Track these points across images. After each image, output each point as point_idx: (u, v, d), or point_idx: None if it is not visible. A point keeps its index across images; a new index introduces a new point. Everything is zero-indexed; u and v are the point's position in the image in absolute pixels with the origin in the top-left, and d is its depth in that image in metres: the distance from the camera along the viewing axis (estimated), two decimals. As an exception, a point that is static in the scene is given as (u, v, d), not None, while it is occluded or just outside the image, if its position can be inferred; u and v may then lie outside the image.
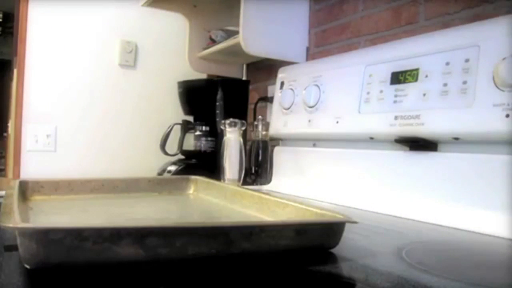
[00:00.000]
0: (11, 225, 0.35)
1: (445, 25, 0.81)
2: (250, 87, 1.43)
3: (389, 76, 0.79)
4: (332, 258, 0.45)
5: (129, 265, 0.37)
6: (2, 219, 0.38)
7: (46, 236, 0.34)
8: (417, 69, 0.74)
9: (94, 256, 0.35)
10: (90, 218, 0.60)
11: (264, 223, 0.51)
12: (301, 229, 0.44)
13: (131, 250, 0.36)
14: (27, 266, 0.34)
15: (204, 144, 1.33)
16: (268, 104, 1.34)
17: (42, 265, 0.34)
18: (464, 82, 0.66)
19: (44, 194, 0.69)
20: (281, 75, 1.10)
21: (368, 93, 0.83)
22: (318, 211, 0.52)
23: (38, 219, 0.56)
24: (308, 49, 1.20)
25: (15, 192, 0.56)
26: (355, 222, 0.46)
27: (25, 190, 0.68)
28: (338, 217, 0.47)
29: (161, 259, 0.38)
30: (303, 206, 0.55)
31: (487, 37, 0.65)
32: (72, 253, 0.34)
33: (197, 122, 1.35)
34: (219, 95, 1.31)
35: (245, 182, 1.07)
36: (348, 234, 0.47)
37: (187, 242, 0.38)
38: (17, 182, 0.65)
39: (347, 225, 0.46)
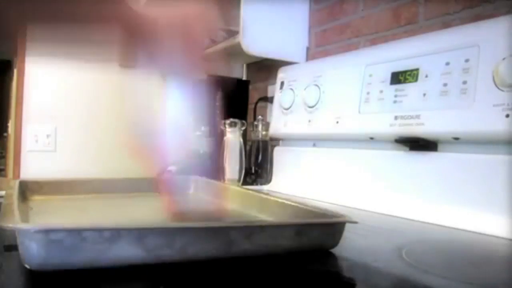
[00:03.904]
0: (11, 225, 0.35)
1: (445, 25, 0.81)
2: (250, 87, 1.43)
3: (389, 76, 0.79)
4: (331, 258, 0.45)
5: (129, 265, 0.37)
6: (2, 219, 0.38)
7: (46, 236, 0.34)
8: (417, 69, 0.74)
9: (94, 256, 0.35)
10: (90, 218, 0.60)
11: (265, 223, 0.50)
12: (301, 229, 0.44)
13: (132, 250, 0.36)
14: (27, 267, 0.34)
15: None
16: (268, 104, 1.34)
17: (43, 265, 0.34)
18: (464, 82, 0.66)
19: (44, 194, 0.69)
20: (281, 75, 1.10)
21: (368, 93, 0.83)
22: (318, 211, 0.52)
23: (38, 219, 0.56)
24: (308, 49, 1.20)
25: (15, 192, 0.56)
26: (355, 222, 0.46)
27: (25, 190, 0.68)
28: (338, 217, 0.47)
29: (162, 259, 0.38)
30: (303, 206, 0.55)
31: (487, 37, 0.65)
32: (72, 253, 0.34)
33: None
34: (219, 95, 1.31)
35: (245, 182, 1.07)
36: (348, 234, 0.47)
37: (187, 242, 0.38)
38: (17, 182, 0.65)
39: (347, 225, 0.46)
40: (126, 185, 0.77)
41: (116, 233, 0.36)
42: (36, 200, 0.67)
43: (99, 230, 0.35)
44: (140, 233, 0.37)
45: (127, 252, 0.36)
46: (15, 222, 0.36)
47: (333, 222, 0.47)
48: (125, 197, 0.75)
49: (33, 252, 0.34)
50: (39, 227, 0.34)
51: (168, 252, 0.38)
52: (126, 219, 0.59)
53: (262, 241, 0.42)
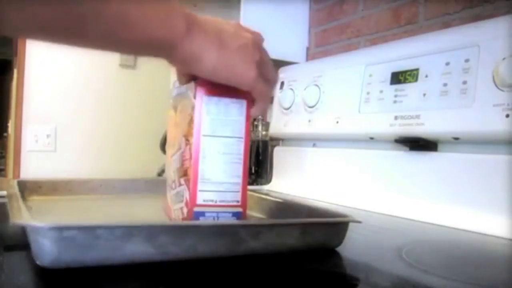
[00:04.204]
0: (24, 222, 0.35)
1: (445, 25, 0.81)
2: (250, 87, 1.43)
3: (389, 76, 0.79)
4: (332, 257, 0.45)
5: (138, 263, 0.37)
6: (13, 217, 0.38)
7: (59, 233, 0.34)
8: (417, 69, 0.74)
9: (105, 254, 0.35)
10: (89, 219, 0.60)
11: (273, 222, 0.51)
12: (307, 228, 0.45)
13: (142, 248, 0.37)
14: (39, 264, 0.34)
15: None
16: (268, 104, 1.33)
17: (55, 262, 0.34)
18: (464, 82, 0.66)
19: (42, 194, 0.69)
20: (281, 75, 1.10)
21: (368, 93, 0.83)
22: (321, 211, 0.52)
23: (41, 219, 0.56)
24: (308, 49, 1.20)
25: (17, 191, 0.55)
26: (359, 222, 0.46)
27: (23, 190, 0.67)
28: (343, 217, 0.48)
29: (171, 256, 0.38)
30: (305, 206, 0.55)
31: (487, 37, 0.65)
32: (84, 251, 0.35)
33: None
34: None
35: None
36: (348, 234, 0.47)
37: (197, 240, 0.39)
38: (15, 182, 0.64)
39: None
40: (125, 186, 0.77)
41: (128, 231, 0.36)
42: (35, 200, 0.67)
43: (111, 228, 0.35)
44: (151, 231, 0.37)
45: (137, 250, 0.36)
46: (27, 220, 0.36)
47: (338, 221, 0.48)
48: (124, 198, 0.75)
49: (46, 250, 0.34)
50: (53, 224, 0.34)
51: (178, 250, 0.38)
52: (124, 220, 0.59)
53: (269, 239, 0.42)
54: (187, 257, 0.39)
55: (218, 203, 0.46)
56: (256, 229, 0.42)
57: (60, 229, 0.34)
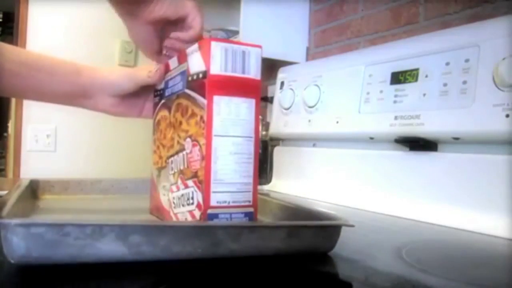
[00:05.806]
0: None
1: (445, 25, 0.81)
2: (250, 87, 1.43)
3: (389, 76, 0.79)
4: (331, 258, 0.45)
5: (114, 262, 0.37)
6: None
7: (27, 230, 0.34)
8: (417, 69, 0.74)
9: (76, 252, 0.35)
10: (95, 218, 0.60)
11: (253, 224, 0.48)
12: (293, 232, 0.43)
13: (114, 247, 0.36)
14: (11, 260, 0.34)
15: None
16: (268, 104, 1.34)
17: (24, 258, 0.34)
18: (464, 82, 0.66)
19: (54, 194, 0.71)
20: (281, 75, 1.11)
21: (368, 93, 0.83)
22: (316, 213, 0.51)
23: (40, 218, 0.56)
24: (308, 49, 1.20)
25: (19, 190, 0.55)
26: (351, 226, 0.44)
27: (36, 189, 0.69)
28: (333, 220, 0.47)
29: (144, 256, 0.37)
30: (303, 207, 0.55)
31: (487, 37, 0.65)
32: (53, 248, 0.34)
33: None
34: (219, 95, 1.31)
35: (245, 182, 1.06)
36: (348, 234, 0.47)
37: (171, 241, 0.38)
38: (27, 181, 0.65)
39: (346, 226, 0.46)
40: (136, 186, 0.77)
41: (98, 230, 0.35)
42: (47, 199, 0.68)
43: (80, 226, 0.35)
44: (122, 230, 0.36)
45: (109, 249, 0.36)
46: None
47: (326, 225, 0.46)
48: (135, 198, 0.74)
49: (15, 246, 0.34)
50: (20, 221, 0.34)
51: (151, 249, 0.37)
52: (136, 219, 0.59)
53: (251, 242, 0.41)
54: (161, 257, 0.38)
55: (231, 204, 0.45)
56: (237, 230, 0.41)
57: (27, 226, 0.34)
